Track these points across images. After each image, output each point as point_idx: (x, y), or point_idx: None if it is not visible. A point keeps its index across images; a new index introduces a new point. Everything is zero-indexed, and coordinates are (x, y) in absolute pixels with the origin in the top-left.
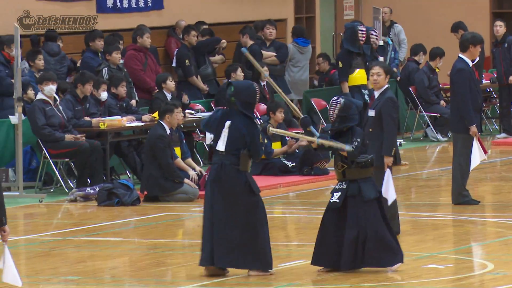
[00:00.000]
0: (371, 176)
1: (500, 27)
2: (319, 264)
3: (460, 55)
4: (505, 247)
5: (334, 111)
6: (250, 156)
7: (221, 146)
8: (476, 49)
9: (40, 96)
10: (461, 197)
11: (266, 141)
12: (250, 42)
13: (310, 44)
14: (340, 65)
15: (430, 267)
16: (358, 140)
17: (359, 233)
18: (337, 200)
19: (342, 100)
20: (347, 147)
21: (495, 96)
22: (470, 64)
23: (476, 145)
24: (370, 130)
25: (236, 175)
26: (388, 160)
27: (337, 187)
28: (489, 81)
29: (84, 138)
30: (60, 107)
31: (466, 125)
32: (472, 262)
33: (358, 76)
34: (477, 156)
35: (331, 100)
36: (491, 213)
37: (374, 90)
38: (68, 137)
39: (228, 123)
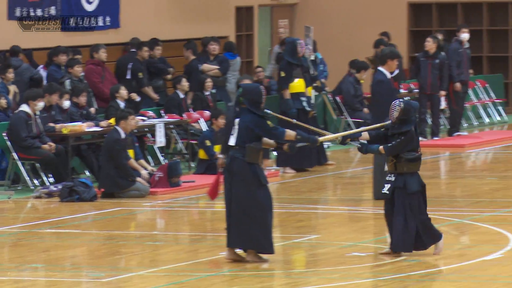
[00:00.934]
0: (417, 171)
1: (428, 42)
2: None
3: (380, 68)
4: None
5: (394, 113)
6: (257, 149)
7: (232, 141)
8: (394, 62)
9: (24, 108)
10: (381, 193)
11: (209, 144)
12: (192, 57)
13: (238, 57)
14: (282, 74)
15: (353, 255)
16: (402, 138)
17: (406, 220)
18: (387, 192)
19: (403, 104)
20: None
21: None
22: (389, 76)
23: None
24: None
25: (244, 167)
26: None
27: (387, 179)
28: (406, 91)
29: (53, 147)
30: (39, 120)
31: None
32: (390, 251)
33: (298, 85)
34: None
35: (392, 103)
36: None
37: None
38: (45, 147)
39: (237, 120)
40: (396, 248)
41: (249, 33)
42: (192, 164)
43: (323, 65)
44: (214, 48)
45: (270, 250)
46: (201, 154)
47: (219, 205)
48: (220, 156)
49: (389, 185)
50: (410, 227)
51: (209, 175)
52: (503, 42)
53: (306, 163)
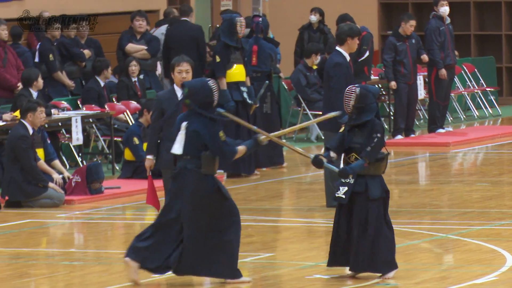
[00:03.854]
0: (381, 174)
1: (411, 26)
2: (334, 265)
3: (338, 48)
4: (399, 256)
5: (350, 101)
6: (214, 158)
7: (177, 148)
8: (354, 41)
9: None
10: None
11: (137, 142)
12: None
13: None
14: (218, 59)
15: (314, 278)
16: (378, 135)
17: (376, 230)
18: (343, 196)
19: (358, 89)
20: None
21: (383, 93)
22: (348, 58)
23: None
24: None
25: (200, 180)
26: None
27: (343, 181)
28: (378, 77)
29: None
30: None
31: (339, 123)
32: (359, 273)
33: (237, 72)
34: None
35: (346, 90)
36: None
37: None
38: None
39: (184, 124)
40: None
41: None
42: (117, 167)
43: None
44: (141, 24)
45: (236, 276)
46: (127, 154)
47: (149, 217)
48: (149, 157)
49: (345, 188)
50: (383, 236)
51: (137, 179)
52: (494, 17)
53: (244, 168)
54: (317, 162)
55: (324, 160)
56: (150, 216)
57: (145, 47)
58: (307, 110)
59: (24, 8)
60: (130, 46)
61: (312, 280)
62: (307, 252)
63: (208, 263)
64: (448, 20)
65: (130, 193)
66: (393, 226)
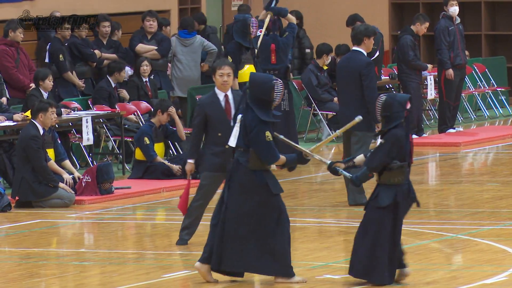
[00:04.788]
0: (398, 183)
1: (425, 28)
2: (350, 273)
3: (357, 49)
4: (409, 256)
5: (378, 111)
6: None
7: (232, 141)
8: (370, 41)
9: None
10: (359, 198)
11: (147, 142)
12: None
13: (196, 35)
14: (229, 59)
15: (324, 278)
16: (382, 142)
17: (375, 240)
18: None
19: (383, 97)
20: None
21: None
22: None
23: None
24: None
25: (247, 175)
26: None
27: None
28: (388, 77)
29: None
30: None
31: (373, 122)
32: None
33: (248, 72)
34: None
35: (377, 99)
36: None
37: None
38: None
39: (239, 116)
40: (357, 274)
41: (196, 6)
42: (127, 167)
43: None
44: (151, 24)
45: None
46: (138, 154)
47: (160, 217)
48: (190, 161)
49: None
50: (380, 249)
51: (148, 180)
52: (506, 16)
53: None
54: (332, 170)
55: (341, 166)
56: (161, 216)
57: (156, 47)
58: (318, 110)
59: (35, 7)
60: (141, 46)
61: (322, 280)
62: (318, 252)
63: (256, 259)
64: (458, 20)
65: (141, 193)
66: (402, 227)
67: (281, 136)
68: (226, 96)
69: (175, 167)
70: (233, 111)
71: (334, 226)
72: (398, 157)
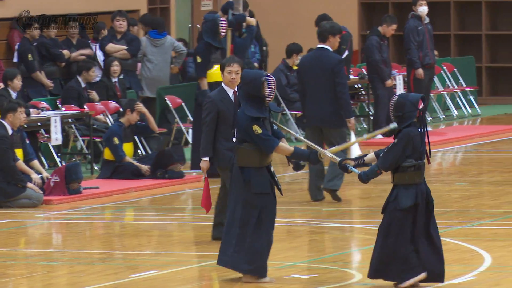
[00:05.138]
0: (416, 183)
1: (392, 30)
2: (371, 276)
3: (323, 46)
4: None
5: (391, 111)
6: (249, 151)
7: (234, 137)
8: (335, 39)
9: None
10: (319, 194)
11: (117, 142)
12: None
13: (166, 36)
14: (199, 59)
15: (293, 278)
16: (395, 141)
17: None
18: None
19: (395, 98)
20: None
21: (363, 93)
22: None
23: (354, 137)
24: None
25: (237, 170)
26: None
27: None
28: (357, 77)
29: None
30: None
31: (346, 118)
32: (339, 272)
33: (217, 72)
34: (357, 147)
35: (390, 99)
36: (359, 219)
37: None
38: None
39: (238, 111)
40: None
41: (165, 6)
42: (96, 167)
43: (254, 45)
44: (121, 24)
45: (254, 273)
46: (107, 154)
47: (129, 217)
48: (205, 158)
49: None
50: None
51: (116, 180)
52: (475, 17)
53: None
54: (342, 167)
55: (351, 163)
56: (129, 216)
57: (126, 47)
58: (286, 110)
59: (4, 7)
60: (111, 46)
61: (290, 280)
62: (286, 252)
63: (233, 256)
64: (427, 20)
65: (109, 193)
66: (370, 226)
67: (297, 135)
68: (235, 92)
69: (144, 167)
70: None
71: (302, 226)
72: (414, 156)
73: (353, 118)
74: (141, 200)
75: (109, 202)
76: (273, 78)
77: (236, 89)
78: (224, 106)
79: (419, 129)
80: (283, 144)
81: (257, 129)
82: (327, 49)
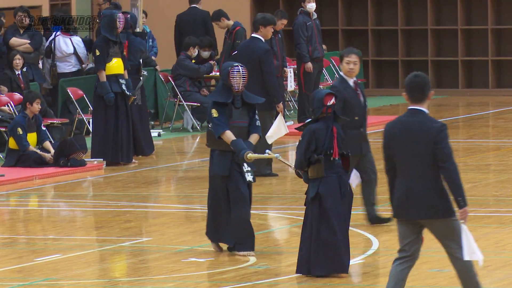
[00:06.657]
0: (319, 176)
1: (282, 24)
2: (300, 272)
3: (255, 35)
4: (266, 239)
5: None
6: (213, 134)
7: None
8: (266, 29)
9: None
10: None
11: (21, 133)
12: None
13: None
14: (97, 53)
15: (190, 261)
16: (300, 140)
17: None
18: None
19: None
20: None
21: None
22: None
23: (281, 120)
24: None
25: (210, 154)
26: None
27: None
28: None
29: None
30: None
31: (274, 103)
32: (234, 256)
33: (116, 65)
34: (282, 128)
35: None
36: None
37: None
38: None
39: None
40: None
41: (66, 2)
42: (1, 155)
43: (152, 39)
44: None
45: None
46: (11, 143)
47: (33, 203)
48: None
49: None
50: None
51: (21, 168)
52: (361, 12)
53: (122, 157)
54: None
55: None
56: (34, 202)
57: (28, 41)
58: (183, 101)
59: None
60: (14, 40)
61: (188, 263)
62: (184, 236)
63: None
64: (315, 16)
65: (14, 180)
66: (263, 211)
67: (289, 163)
68: (354, 82)
69: (47, 156)
70: (361, 97)
71: (200, 212)
72: (318, 150)
73: (281, 102)
74: (45, 187)
75: (14, 189)
76: (240, 69)
77: (355, 79)
78: (348, 94)
79: (329, 125)
80: (229, 132)
81: (214, 113)
82: (258, 38)
